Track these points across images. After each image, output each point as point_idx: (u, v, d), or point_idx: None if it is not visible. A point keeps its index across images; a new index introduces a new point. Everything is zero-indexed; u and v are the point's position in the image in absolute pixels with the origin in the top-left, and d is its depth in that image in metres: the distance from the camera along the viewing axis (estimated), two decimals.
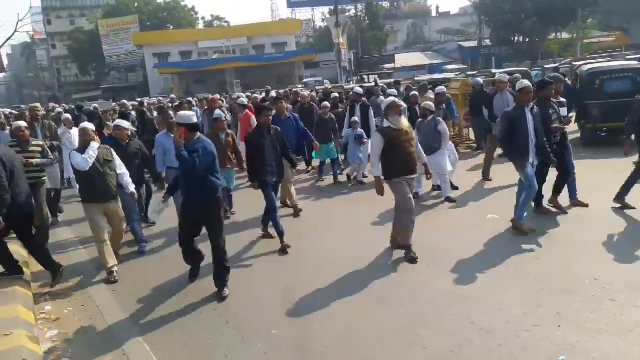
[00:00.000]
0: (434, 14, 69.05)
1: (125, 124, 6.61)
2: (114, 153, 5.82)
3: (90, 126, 5.73)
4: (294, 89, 18.21)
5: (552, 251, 5.36)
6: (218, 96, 14.60)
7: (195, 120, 4.84)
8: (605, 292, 4.31)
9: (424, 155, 6.12)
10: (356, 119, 9.41)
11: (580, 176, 6.87)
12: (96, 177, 5.46)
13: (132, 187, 5.87)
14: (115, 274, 5.53)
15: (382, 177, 5.44)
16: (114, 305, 4.97)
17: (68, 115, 10.17)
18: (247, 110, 10.06)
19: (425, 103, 8.10)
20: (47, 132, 8.04)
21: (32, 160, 6.68)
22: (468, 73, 21.75)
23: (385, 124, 5.42)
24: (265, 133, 6.10)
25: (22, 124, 6.93)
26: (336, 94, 12.57)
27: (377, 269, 5.27)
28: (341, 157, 10.49)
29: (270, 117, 6.28)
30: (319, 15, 65.30)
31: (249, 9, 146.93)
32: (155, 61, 50.68)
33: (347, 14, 50.51)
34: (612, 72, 11.33)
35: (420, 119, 7.87)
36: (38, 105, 9.19)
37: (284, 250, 6.01)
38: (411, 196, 5.50)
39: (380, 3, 57.78)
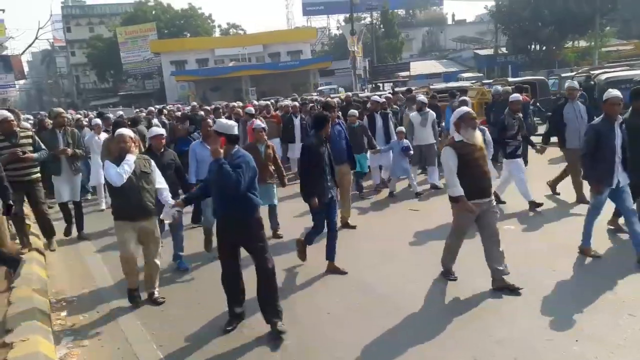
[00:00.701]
0: (449, 21, 68.87)
1: (162, 131, 6.16)
2: (153, 164, 5.15)
3: (128, 132, 5.10)
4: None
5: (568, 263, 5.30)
6: (236, 104, 14.69)
7: (236, 131, 4.37)
8: (624, 306, 4.24)
9: (495, 171, 5.84)
10: (402, 129, 9.15)
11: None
12: (130, 191, 4.81)
13: (171, 202, 5.04)
14: (156, 294, 5.18)
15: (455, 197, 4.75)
16: (138, 328, 4.64)
17: (99, 121, 9.96)
18: (254, 120, 9.93)
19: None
20: (69, 139, 7.45)
21: (30, 155, 6.46)
22: (484, 81, 21.63)
23: (457, 137, 4.76)
24: (325, 143, 5.62)
25: (7, 113, 6.53)
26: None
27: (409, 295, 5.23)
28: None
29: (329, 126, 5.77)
30: (334, 23, 65.68)
31: (265, 17, 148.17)
32: (172, 69, 51.24)
33: (363, 21, 50.65)
34: (630, 81, 11.22)
35: None
36: (63, 111, 8.60)
37: (334, 271, 5.56)
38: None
39: (396, 11, 57.80)
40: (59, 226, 7.69)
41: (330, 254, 5.65)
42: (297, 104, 12.44)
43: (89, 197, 10.75)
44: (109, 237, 7.49)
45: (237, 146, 4.34)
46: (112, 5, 64.62)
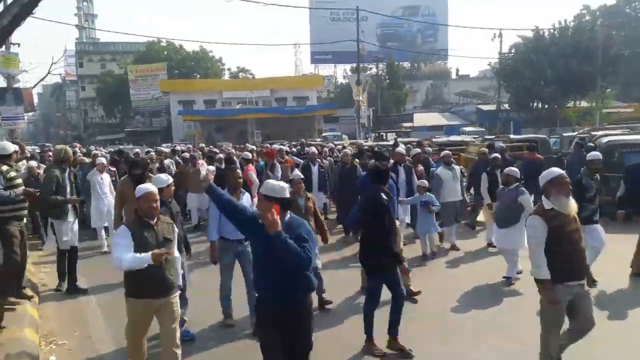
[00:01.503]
0: (453, 76, 70.38)
1: (171, 180, 5.39)
2: (176, 230, 4.43)
3: (155, 189, 4.26)
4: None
5: None
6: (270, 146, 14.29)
7: (288, 193, 3.57)
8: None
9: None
10: (425, 182, 8.55)
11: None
12: (153, 264, 3.89)
13: (180, 279, 4.45)
14: None
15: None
16: None
17: (103, 160, 9.61)
18: (250, 166, 10.08)
19: (509, 169, 7.35)
20: (72, 179, 6.98)
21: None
22: (486, 137, 21.87)
23: (547, 204, 4.04)
24: (385, 195, 4.99)
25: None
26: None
27: None
28: None
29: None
30: (340, 72, 67.04)
31: (274, 63, 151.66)
32: (180, 108, 52.03)
33: (368, 72, 51.78)
34: (632, 145, 11.36)
35: (501, 186, 7.28)
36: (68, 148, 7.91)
37: (399, 350, 4.84)
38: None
39: (401, 63, 59.19)
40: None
41: (394, 328, 4.87)
42: (315, 150, 11.96)
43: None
44: (105, 282, 7.34)
45: (289, 211, 3.58)
46: (125, 43, 66.26)
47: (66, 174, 6.93)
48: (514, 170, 7.20)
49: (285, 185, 3.58)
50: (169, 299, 4.11)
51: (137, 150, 16.12)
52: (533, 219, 4.07)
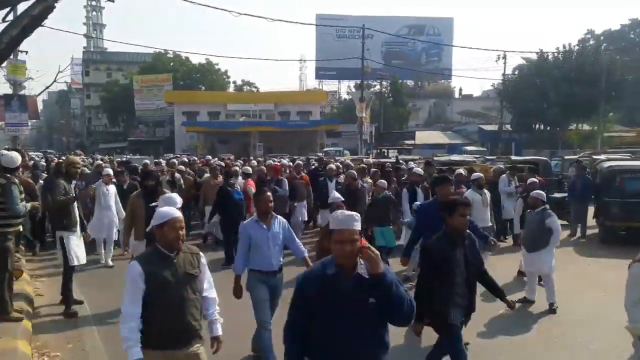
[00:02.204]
0: (456, 95, 70.76)
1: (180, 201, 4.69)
2: (202, 260, 3.43)
3: (180, 213, 3.40)
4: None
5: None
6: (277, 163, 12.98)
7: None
8: None
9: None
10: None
11: (597, 275, 6.71)
12: (168, 305, 3.16)
13: (219, 330, 3.48)
14: None
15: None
16: None
17: (110, 171, 9.37)
18: (249, 180, 10.01)
19: (536, 192, 7.18)
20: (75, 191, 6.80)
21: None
22: (487, 157, 21.90)
23: None
24: (457, 238, 4.08)
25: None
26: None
27: None
28: None
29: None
30: (344, 88, 67.47)
31: (279, 77, 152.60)
32: (184, 119, 52.24)
33: (372, 89, 52.09)
34: (633, 171, 11.37)
35: (528, 210, 7.25)
36: (77, 159, 7.72)
37: None
38: None
39: (405, 81, 59.56)
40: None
41: None
42: (333, 166, 11.55)
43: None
44: (100, 294, 7.34)
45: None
46: (132, 53, 66.71)
47: (72, 185, 6.71)
48: (541, 193, 7.08)
49: (355, 213, 2.79)
50: (192, 350, 3.27)
51: (146, 160, 15.33)
52: (636, 267, 3.49)
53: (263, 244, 4.70)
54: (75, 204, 6.60)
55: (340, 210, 2.92)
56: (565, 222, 10.30)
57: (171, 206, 4.51)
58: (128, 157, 22.30)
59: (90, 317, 6.44)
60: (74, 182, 6.88)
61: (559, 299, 6.72)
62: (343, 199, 6.00)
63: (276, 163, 12.66)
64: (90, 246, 8.75)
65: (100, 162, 13.18)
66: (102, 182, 8.97)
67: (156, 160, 18.05)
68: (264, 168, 12.77)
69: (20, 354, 4.81)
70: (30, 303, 6.61)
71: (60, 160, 9.12)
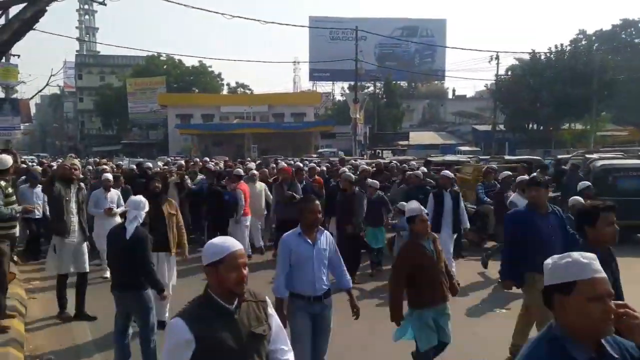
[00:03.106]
0: (450, 96, 70.95)
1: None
2: (269, 310, 2.48)
3: (240, 245, 2.37)
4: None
5: None
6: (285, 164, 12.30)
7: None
8: None
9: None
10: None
11: None
12: None
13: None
14: None
15: None
16: None
17: (109, 176, 8.59)
18: (242, 183, 9.56)
19: (573, 198, 6.90)
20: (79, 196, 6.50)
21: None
22: (480, 157, 21.95)
23: None
24: (605, 256, 3.29)
25: None
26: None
27: None
28: None
29: None
30: (338, 89, 67.49)
31: (273, 79, 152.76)
32: (178, 121, 52.12)
33: (366, 90, 52.17)
34: (625, 169, 11.44)
35: None
36: (76, 162, 7.26)
37: None
38: None
39: (398, 83, 59.68)
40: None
41: None
42: (346, 169, 10.92)
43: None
44: (95, 301, 7.24)
45: None
46: (125, 56, 66.50)
47: (71, 190, 6.34)
48: (579, 199, 6.73)
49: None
50: None
51: (149, 163, 14.08)
52: None
53: (306, 263, 3.95)
54: (75, 208, 6.25)
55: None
56: None
57: (139, 210, 4.78)
58: (126, 159, 21.62)
59: (85, 322, 6.38)
60: (73, 187, 6.39)
61: None
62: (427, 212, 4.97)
63: (288, 166, 11.71)
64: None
65: (105, 166, 12.27)
66: (103, 187, 8.31)
67: (166, 159, 17.31)
68: (266, 170, 11.96)
69: (12, 358, 4.78)
70: (23, 305, 6.56)
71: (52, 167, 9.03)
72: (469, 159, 17.86)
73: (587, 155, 17.37)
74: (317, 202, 4.15)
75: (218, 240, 2.37)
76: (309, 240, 3.98)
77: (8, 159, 5.86)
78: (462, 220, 7.99)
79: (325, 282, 4.03)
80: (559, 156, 21.05)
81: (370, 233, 8.30)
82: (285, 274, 3.98)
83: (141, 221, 4.75)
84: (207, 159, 17.35)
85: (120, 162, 16.44)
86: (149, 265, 4.69)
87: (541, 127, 43.91)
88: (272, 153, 34.67)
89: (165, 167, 13.32)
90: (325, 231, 4.22)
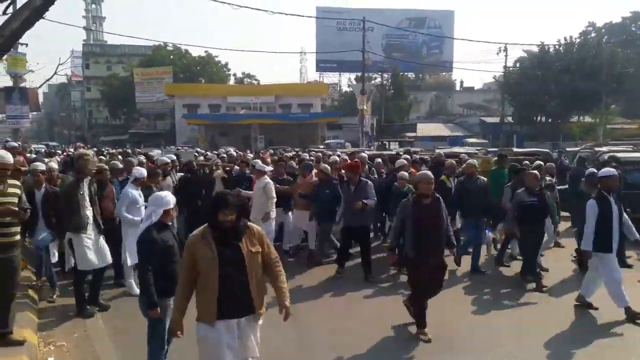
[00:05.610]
0: (457, 87, 70.56)
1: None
2: None
3: None
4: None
5: None
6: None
7: None
8: None
9: None
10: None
11: None
12: None
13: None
14: None
15: None
16: None
17: (144, 172, 7.04)
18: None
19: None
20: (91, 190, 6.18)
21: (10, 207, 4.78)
22: (489, 149, 21.84)
23: None
24: None
25: (7, 156, 4.98)
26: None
27: None
28: None
29: None
30: (345, 80, 67.28)
31: (280, 70, 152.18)
32: (185, 111, 52.21)
33: (373, 81, 51.99)
34: (635, 162, 11.36)
35: None
36: (89, 153, 6.87)
37: None
38: None
39: (406, 74, 59.37)
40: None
41: None
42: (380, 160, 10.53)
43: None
44: (107, 291, 7.20)
45: None
46: (131, 46, 66.51)
47: (85, 184, 6.05)
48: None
49: None
50: None
51: (157, 151, 12.18)
52: None
53: None
54: (88, 204, 6.00)
55: None
56: (566, 214, 10.30)
57: (158, 207, 4.15)
58: (156, 150, 18.62)
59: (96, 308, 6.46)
60: (85, 180, 6.06)
61: (562, 288, 7.03)
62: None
63: (357, 160, 9.48)
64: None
65: (131, 159, 9.92)
66: (134, 185, 6.87)
67: (206, 153, 15.59)
68: (283, 164, 9.84)
69: (26, 343, 4.85)
70: (37, 292, 6.64)
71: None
72: (476, 151, 17.75)
73: (597, 149, 17.29)
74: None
75: None
76: None
77: (7, 156, 5.02)
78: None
79: None
80: (568, 149, 20.94)
81: None
82: None
83: (155, 220, 4.19)
84: (228, 149, 16.54)
85: (152, 154, 14.11)
86: (143, 271, 4.14)
87: (549, 120, 43.63)
88: (279, 144, 34.68)
89: (206, 160, 11.42)
90: None
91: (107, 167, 7.68)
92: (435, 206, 5.50)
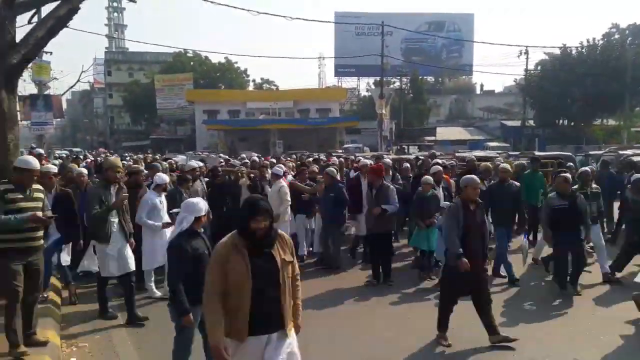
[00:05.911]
0: (477, 91, 69.92)
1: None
2: None
3: None
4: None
5: None
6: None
7: None
8: None
9: None
10: None
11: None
12: None
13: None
14: None
15: None
16: None
17: (166, 178, 7.12)
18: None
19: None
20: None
21: (42, 213, 4.89)
22: (510, 153, 21.55)
23: None
24: None
25: (34, 162, 5.00)
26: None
27: None
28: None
29: None
30: (363, 85, 67.20)
31: (298, 75, 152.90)
32: (205, 117, 52.71)
33: (392, 86, 51.87)
34: None
35: None
36: (117, 161, 6.71)
37: None
38: None
39: (425, 78, 59.06)
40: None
41: None
42: (409, 165, 10.68)
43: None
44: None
45: None
46: (152, 53, 67.58)
47: (112, 192, 6.04)
48: None
49: None
50: None
51: (200, 161, 11.64)
52: None
53: None
54: (113, 212, 5.98)
55: None
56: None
57: (190, 214, 4.14)
58: (180, 156, 18.64)
59: (117, 307, 6.52)
60: (113, 188, 6.06)
61: (586, 293, 6.91)
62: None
63: (380, 163, 9.56)
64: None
65: (157, 164, 9.97)
66: (155, 192, 6.89)
67: (226, 159, 15.44)
68: (305, 168, 9.91)
69: (49, 344, 4.93)
70: (59, 294, 6.74)
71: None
72: (498, 155, 17.53)
73: (621, 152, 16.94)
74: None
75: None
76: None
77: (34, 162, 5.05)
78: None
79: None
80: (591, 152, 20.55)
81: (422, 233, 7.75)
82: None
83: (187, 226, 4.15)
84: (252, 155, 16.50)
85: (174, 160, 14.06)
86: (173, 278, 4.12)
87: (572, 123, 42.95)
88: (297, 149, 34.76)
89: (231, 167, 11.10)
90: None
91: (142, 168, 7.88)
92: (480, 212, 5.36)
